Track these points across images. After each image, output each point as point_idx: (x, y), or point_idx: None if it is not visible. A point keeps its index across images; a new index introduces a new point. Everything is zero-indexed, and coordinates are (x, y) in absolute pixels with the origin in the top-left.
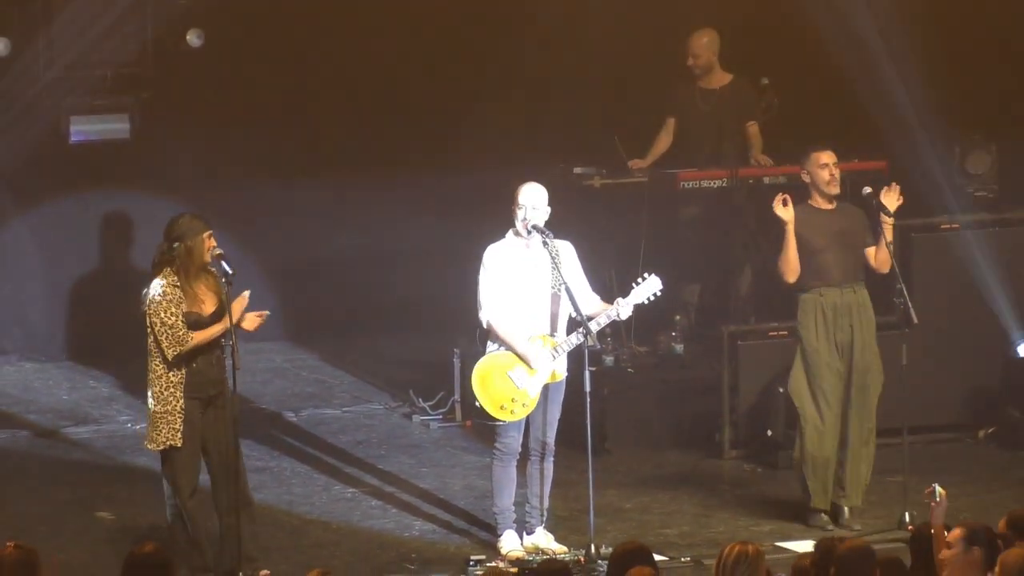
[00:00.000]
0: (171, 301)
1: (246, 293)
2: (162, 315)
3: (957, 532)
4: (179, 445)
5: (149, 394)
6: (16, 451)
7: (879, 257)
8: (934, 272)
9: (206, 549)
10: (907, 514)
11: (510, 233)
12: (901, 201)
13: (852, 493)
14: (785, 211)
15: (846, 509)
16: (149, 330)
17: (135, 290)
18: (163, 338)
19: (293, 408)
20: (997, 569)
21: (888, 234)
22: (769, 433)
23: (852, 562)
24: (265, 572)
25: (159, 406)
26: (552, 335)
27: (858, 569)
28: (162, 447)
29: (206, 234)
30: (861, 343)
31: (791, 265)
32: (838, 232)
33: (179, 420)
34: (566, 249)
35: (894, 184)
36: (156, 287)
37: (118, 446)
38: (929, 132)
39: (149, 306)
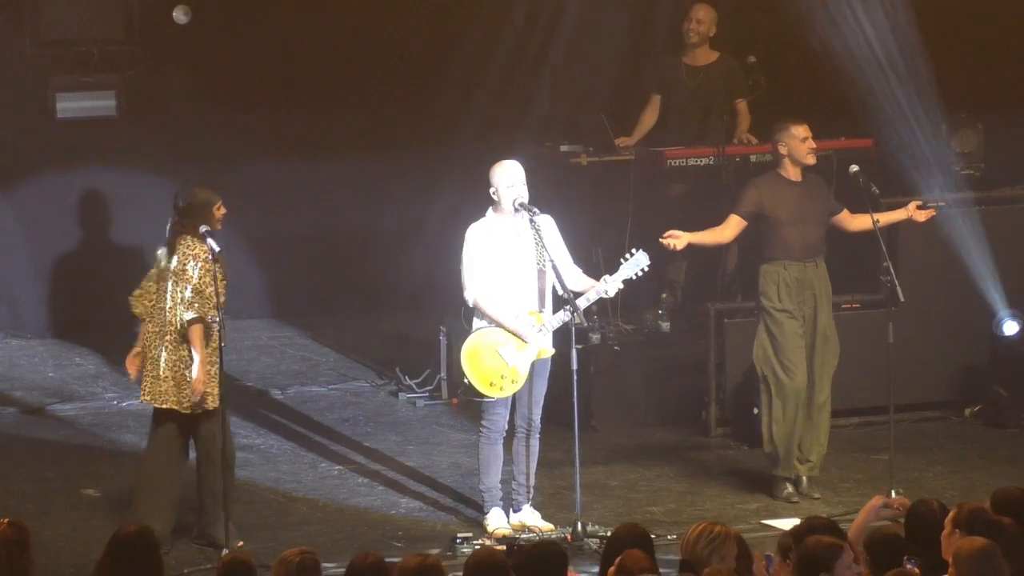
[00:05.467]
0: (209, 272)
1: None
2: (206, 287)
3: (952, 515)
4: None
5: (191, 356)
6: (1, 429)
7: (854, 222)
8: (921, 250)
9: (165, 520)
10: (892, 492)
11: (490, 211)
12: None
13: (816, 462)
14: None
15: (804, 478)
16: (180, 297)
17: (121, 267)
18: (198, 305)
19: (279, 386)
20: (951, 560)
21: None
22: (755, 411)
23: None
24: (240, 543)
25: (213, 368)
26: (539, 311)
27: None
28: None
29: (217, 204)
30: (824, 316)
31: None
32: (803, 206)
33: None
34: (547, 223)
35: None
36: (199, 256)
37: (104, 423)
38: (916, 110)
39: (191, 271)
